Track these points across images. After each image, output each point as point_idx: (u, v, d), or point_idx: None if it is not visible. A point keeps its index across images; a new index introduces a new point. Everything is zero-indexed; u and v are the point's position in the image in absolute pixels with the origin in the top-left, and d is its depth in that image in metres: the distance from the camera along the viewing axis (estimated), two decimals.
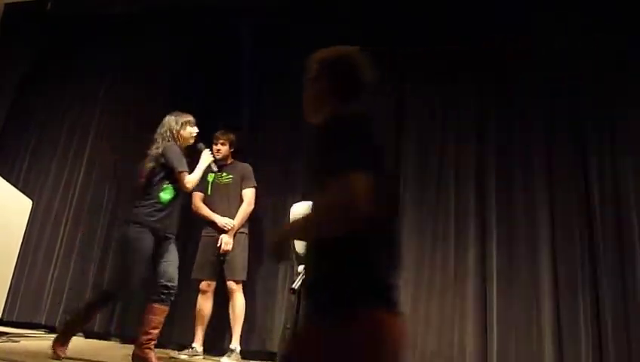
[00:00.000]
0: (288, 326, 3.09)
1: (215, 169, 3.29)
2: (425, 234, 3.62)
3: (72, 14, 5.23)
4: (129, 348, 2.92)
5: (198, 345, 3.31)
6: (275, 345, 3.62)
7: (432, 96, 3.93)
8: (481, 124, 3.76)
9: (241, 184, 3.62)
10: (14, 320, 4.16)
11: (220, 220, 3.48)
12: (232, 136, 3.71)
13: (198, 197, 3.63)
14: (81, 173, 4.60)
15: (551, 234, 3.40)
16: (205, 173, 3.43)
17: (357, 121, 1.20)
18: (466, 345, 3.30)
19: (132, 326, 3.93)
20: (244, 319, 3.43)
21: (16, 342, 3.17)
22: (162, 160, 2.90)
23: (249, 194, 3.61)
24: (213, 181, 3.64)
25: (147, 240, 2.78)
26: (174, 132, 2.98)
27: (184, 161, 2.95)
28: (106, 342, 3.92)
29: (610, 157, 3.44)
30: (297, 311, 3.19)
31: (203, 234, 3.59)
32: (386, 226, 1.20)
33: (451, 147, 3.77)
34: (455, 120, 3.83)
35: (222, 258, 3.44)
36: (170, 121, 3.01)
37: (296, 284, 2.37)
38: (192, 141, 3.09)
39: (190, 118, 3.07)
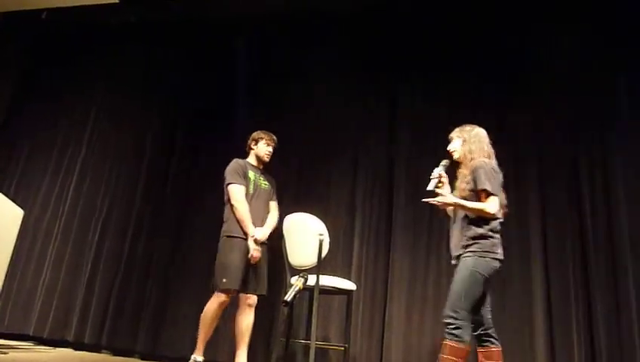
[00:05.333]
0: (282, 338, 3.06)
1: None
2: (418, 248, 3.62)
3: (67, 24, 5.25)
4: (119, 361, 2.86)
5: (199, 355, 3.13)
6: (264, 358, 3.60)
7: (425, 112, 3.95)
8: None
9: (271, 195, 3.39)
10: (4, 331, 4.11)
11: (252, 244, 3.07)
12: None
13: (242, 191, 3.18)
14: (73, 184, 4.56)
15: (543, 246, 3.41)
16: (249, 169, 3.25)
17: None
18: None
19: (123, 338, 3.91)
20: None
21: (5, 353, 3.12)
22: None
23: (276, 207, 3.39)
24: (254, 181, 3.28)
25: None
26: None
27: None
28: (96, 354, 3.86)
29: (602, 169, 3.46)
30: (290, 323, 3.18)
31: (236, 235, 3.10)
32: None
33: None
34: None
35: (251, 268, 3.09)
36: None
37: (289, 296, 2.35)
38: None
39: None
